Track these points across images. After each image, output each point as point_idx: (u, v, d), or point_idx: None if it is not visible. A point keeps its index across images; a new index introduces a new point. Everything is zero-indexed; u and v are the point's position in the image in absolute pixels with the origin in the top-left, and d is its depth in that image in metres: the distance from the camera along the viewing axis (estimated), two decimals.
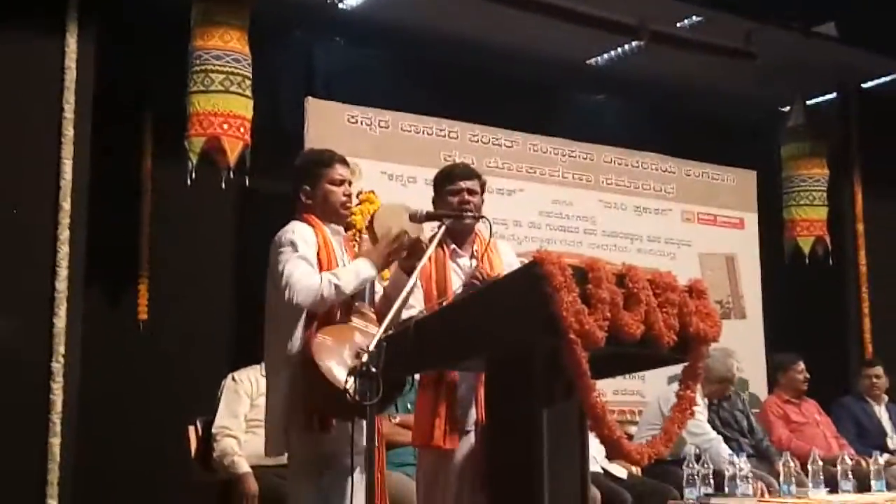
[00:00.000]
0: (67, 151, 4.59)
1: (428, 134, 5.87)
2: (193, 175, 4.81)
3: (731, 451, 4.66)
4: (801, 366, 5.94)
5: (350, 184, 3.29)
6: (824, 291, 7.15)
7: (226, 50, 4.81)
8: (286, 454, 3.08)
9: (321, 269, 3.05)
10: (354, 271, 3.04)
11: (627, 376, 5.69)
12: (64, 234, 4.54)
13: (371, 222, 3.34)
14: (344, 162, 3.27)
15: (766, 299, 6.92)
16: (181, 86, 4.86)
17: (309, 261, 3.03)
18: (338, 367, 2.84)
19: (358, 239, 3.38)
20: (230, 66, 4.81)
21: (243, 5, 4.89)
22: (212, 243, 5.44)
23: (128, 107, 5.18)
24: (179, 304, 5.25)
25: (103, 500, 4.77)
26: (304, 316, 3.01)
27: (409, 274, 2.98)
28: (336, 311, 3.06)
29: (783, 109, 7.31)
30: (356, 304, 3.10)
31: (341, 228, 3.30)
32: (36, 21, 4.64)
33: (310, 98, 5.48)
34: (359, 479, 2.89)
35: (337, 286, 2.98)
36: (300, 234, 3.08)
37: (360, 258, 3.10)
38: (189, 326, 5.23)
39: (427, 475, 3.23)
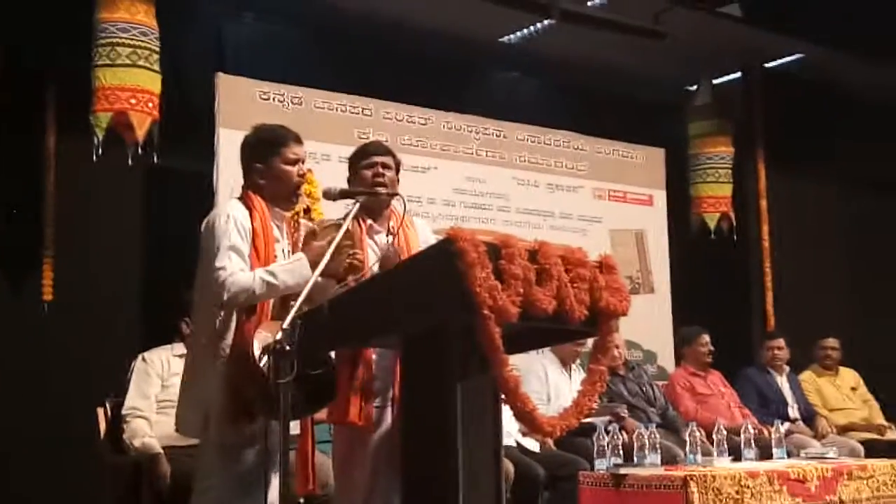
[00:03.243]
0: None
1: (342, 111, 5.83)
2: (100, 151, 4.70)
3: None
4: (706, 339, 6.09)
5: (304, 162, 3.17)
6: (729, 266, 7.37)
7: (132, 23, 4.71)
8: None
9: (257, 257, 2.97)
10: (291, 269, 2.95)
11: None
12: None
13: (309, 234, 3.18)
14: (299, 140, 3.15)
15: (674, 274, 7.08)
16: (85, 59, 4.73)
17: (241, 253, 2.94)
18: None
19: (297, 221, 3.28)
20: (137, 40, 4.71)
21: None
22: (118, 221, 5.32)
23: (30, 81, 5.01)
24: (86, 284, 5.13)
25: (10, 483, 4.67)
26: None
27: (339, 282, 2.94)
28: (269, 306, 3.00)
29: (690, 88, 7.47)
30: (292, 301, 2.99)
31: (285, 213, 3.19)
32: None
33: (220, 74, 5.38)
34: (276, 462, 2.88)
35: (270, 284, 2.91)
36: (235, 220, 2.97)
37: (301, 255, 3.01)
38: (96, 307, 5.12)
39: (342, 452, 3.22)
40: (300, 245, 3.19)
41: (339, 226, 3.15)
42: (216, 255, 2.93)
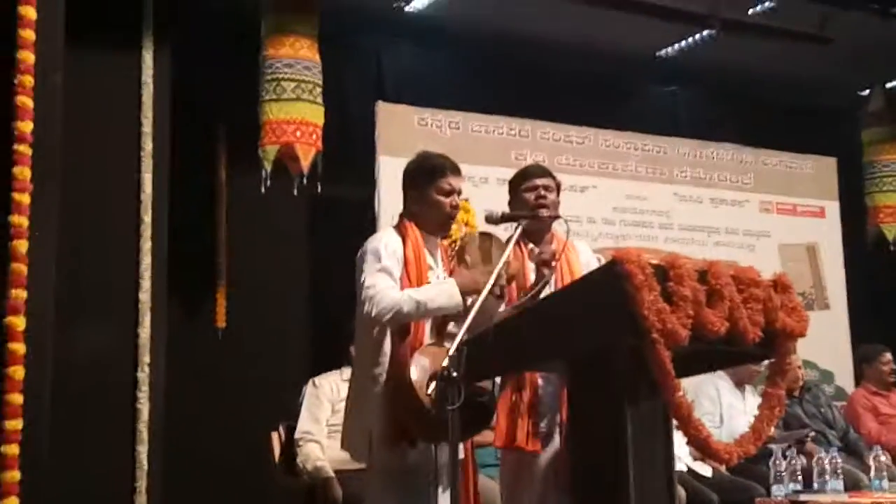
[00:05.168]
0: (146, 165, 4.68)
1: (499, 134, 5.86)
2: (268, 183, 4.87)
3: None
4: (888, 357, 5.80)
5: (460, 193, 3.18)
6: None
7: (296, 58, 4.86)
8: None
9: (409, 285, 2.98)
10: (438, 290, 2.98)
11: None
12: (146, 245, 4.62)
13: (462, 246, 3.21)
14: (456, 171, 3.16)
15: (851, 289, 6.74)
16: (253, 95, 4.92)
17: (392, 274, 2.97)
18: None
19: (453, 249, 3.33)
20: (301, 74, 4.86)
21: (312, 14, 4.93)
22: (286, 249, 5.50)
23: (202, 118, 5.26)
24: (257, 311, 5.32)
25: None
26: (389, 331, 2.97)
27: (499, 298, 2.96)
28: (424, 331, 3.02)
29: (862, 94, 7.12)
30: (450, 327, 3.03)
31: (440, 240, 3.22)
32: (112, 37, 4.73)
33: (380, 102, 5.50)
34: (441, 491, 2.88)
35: (419, 302, 2.92)
36: (386, 245, 3.02)
37: (451, 280, 3.03)
38: (267, 332, 5.30)
39: (510, 477, 3.21)
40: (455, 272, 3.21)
41: (487, 235, 3.15)
42: (366, 277, 2.97)
